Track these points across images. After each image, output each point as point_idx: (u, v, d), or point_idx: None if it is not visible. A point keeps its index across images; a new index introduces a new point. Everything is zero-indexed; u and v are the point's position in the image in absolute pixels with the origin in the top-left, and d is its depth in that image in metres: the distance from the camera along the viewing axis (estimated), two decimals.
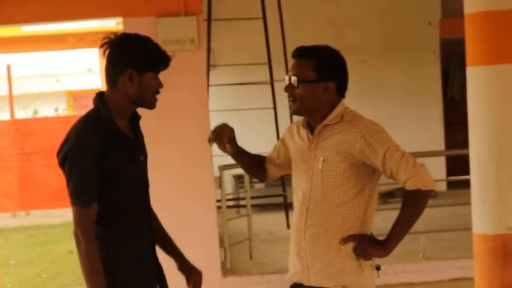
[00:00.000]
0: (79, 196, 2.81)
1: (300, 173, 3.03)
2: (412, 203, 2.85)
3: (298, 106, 2.98)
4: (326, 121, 2.95)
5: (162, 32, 6.13)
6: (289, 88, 2.98)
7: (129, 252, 2.92)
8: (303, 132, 3.06)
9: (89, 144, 2.79)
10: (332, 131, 2.94)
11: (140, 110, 3.03)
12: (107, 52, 2.88)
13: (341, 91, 2.99)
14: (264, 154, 3.45)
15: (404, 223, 2.87)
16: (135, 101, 2.90)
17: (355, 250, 2.93)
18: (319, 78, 2.92)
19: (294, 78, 2.96)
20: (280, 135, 9.72)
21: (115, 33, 2.91)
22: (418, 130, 11.72)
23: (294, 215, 3.08)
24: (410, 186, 2.81)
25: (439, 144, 11.85)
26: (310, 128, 3.03)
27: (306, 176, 2.98)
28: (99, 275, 2.79)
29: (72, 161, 2.80)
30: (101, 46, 2.87)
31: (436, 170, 10.80)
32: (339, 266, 2.94)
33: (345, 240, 2.92)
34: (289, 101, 3.01)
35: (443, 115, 12.13)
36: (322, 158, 2.91)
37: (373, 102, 11.48)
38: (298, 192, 3.05)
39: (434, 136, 11.82)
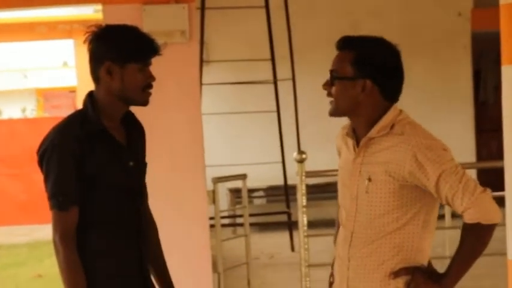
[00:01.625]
0: (56, 198, 2.89)
1: (345, 190, 2.99)
2: (472, 237, 2.79)
3: (333, 107, 2.92)
4: (372, 133, 2.86)
5: (147, 21, 6.14)
6: (325, 85, 2.93)
7: (108, 268, 3.00)
8: (349, 142, 2.98)
9: (69, 142, 2.89)
10: (380, 144, 2.85)
11: None
12: (89, 47, 2.99)
13: (389, 93, 2.89)
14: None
15: (465, 259, 2.82)
16: (121, 97, 2.98)
17: (408, 285, 2.87)
18: (356, 75, 2.85)
19: (330, 74, 2.91)
20: (285, 143, 9.74)
21: (99, 26, 3.01)
22: (445, 138, 11.60)
23: (338, 237, 3.05)
24: (468, 218, 2.75)
25: (469, 154, 11.86)
26: (356, 136, 2.95)
27: (350, 195, 2.94)
28: (81, 286, 2.88)
29: (49, 159, 2.90)
30: (84, 41, 2.99)
31: None
32: None
33: (395, 274, 2.87)
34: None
35: (474, 121, 12.15)
36: (368, 177, 2.85)
37: None
38: (342, 210, 3.01)
39: (463, 145, 11.83)
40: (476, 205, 2.72)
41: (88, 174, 2.91)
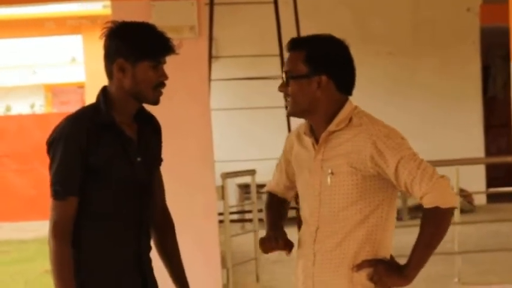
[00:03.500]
0: (55, 187, 2.93)
1: (307, 188, 3.04)
2: (431, 223, 2.83)
3: (291, 107, 2.99)
4: (331, 126, 2.93)
5: (156, 17, 6.15)
6: (281, 86, 3.00)
7: (103, 263, 3.01)
8: (307, 141, 3.05)
9: (77, 133, 2.92)
10: (340, 137, 2.93)
11: None
12: (104, 43, 3.03)
13: (344, 87, 2.97)
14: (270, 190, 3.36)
15: (425, 246, 2.86)
16: (132, 95, 3.01)
17: (371, 278, 2.92)
18: (310, 72, 2.92)
19: (285, 75, 2.99)
20: None
21: (115, 22, 3.03)
22: (454, 134, 11.71)
23: (301, 236, 3.10)
24: (427, 203, 2.80)
25: (478, 150, 11.83)
26: (315, 135, 3.01)
27: (313, 192, 2.99)
28: (68, 283, 2.89)
29: (56, 148, 2.93)
30: (100, 37, 3.02)
31: (475, 181, 10.79)
32: None
33: (358, 267, 2.92)
34: (285, 101, 3.03)
35: (482, 117, 12.12)
36: (330, 171, 2.92)
37: (400, 102, 11.51)
38: (305, 209, 3.06)
39: (472, 141, 11.81)
40: (435, 189, 2.78)
41: (94, 166, 2.93)
